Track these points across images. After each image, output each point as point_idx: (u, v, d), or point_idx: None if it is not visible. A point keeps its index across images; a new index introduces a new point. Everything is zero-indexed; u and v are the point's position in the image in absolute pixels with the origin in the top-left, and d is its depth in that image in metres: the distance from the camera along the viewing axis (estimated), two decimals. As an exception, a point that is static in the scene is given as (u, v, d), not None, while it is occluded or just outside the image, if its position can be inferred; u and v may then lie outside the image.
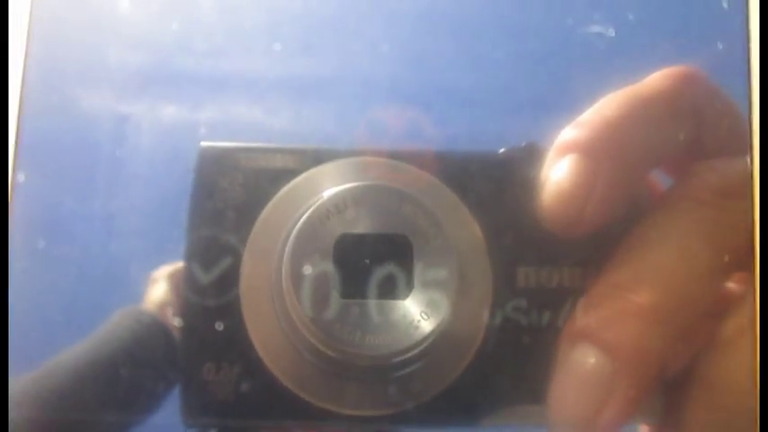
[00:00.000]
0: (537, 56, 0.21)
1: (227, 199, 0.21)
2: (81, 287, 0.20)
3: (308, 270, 0.20)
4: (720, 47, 0.21)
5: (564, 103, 0.21)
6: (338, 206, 0.20)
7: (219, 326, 0.20)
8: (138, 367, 0.21)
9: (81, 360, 0.21)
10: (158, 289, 0.21)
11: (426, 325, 0.20)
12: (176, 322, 0.20)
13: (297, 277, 0.20)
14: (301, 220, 0.20)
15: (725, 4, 0.21)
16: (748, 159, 0.20)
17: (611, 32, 0.21)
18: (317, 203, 0.20)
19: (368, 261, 0.20)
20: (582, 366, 0.20)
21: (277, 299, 0.20)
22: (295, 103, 0.21)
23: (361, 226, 0.20)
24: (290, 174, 0.21)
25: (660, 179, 0.21)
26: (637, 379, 0.19)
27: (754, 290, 0.20)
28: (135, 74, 0.21)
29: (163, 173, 0.21)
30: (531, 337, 0.21)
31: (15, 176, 0.20)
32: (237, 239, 0.21)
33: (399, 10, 0.21)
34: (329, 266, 0.20)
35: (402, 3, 0.21)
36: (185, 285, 0.20)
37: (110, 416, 0.21)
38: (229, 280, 0.21)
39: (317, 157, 0.21)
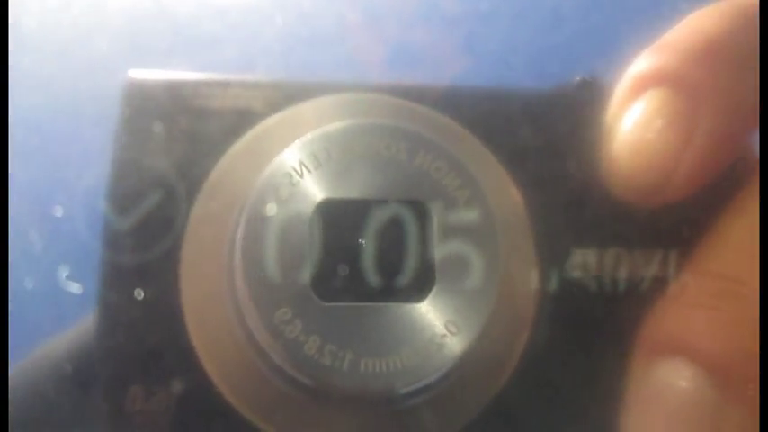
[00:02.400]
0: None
1: (163, 151, 0.15)
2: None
3: (271, 258, 0.14)
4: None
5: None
6: (317, 158, 0.14)
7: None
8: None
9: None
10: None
11: (454, 342, 0.14)
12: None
13: (256, 271, 0.14)
14: (261, 180, 0.14)
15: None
16: None
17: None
18: (286, 154, 0.14)
19: (362, 241, 0.15)
20: (671, 390, 0.15)
21: (231, 303, 0.15)
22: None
23: (353, 188, 0.14)
24: (253, 117, 0.15)
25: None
26: (753, 407, 0.14)
27: None
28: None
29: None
30: (593, 347, 0.15)
31: None
32: (176, 209, 0.15)
33: None
34: (304, 250, 0.14)
35: None
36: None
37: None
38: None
39: (289, 94, 0.15)
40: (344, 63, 0.15)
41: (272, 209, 0.14)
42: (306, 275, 0.14)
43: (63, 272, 0.14)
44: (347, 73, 0.15)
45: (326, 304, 0.14)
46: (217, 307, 0.15)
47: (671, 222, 0.15)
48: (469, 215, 0.14)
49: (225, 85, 0.15)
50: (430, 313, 0.14)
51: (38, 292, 0.15)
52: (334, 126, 0.14)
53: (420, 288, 0.14)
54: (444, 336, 0.14)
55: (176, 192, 0.15)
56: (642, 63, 0.15)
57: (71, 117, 0.16)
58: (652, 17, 0.15)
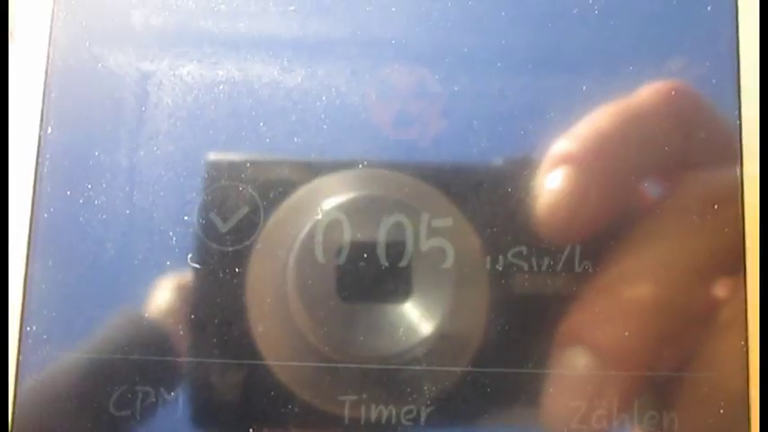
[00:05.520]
0: (536, 18, 0.22)
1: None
2: (107, 234, 0.21)
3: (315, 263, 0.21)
4: (709, 10, 0.22)
5: (562, 62, 0.22)
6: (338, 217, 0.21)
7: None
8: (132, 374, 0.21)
9: (79, 363, 0.21)
10: (163, 296, 0.21)
11: (426, 327, 0.21)
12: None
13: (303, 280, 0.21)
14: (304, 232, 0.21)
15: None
16: (735, 169, 0.21)
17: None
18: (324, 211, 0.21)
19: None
20: (577, 342, 0.21)
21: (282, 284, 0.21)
22: (309, 61, 0.22)
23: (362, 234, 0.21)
24: (290, 170, 0.22)
25: (650, 188, 0.22)
26: (627, 380, 0.21)
27: (743, 293, 0.21)
28: (157, 34, 0.22)
29: (183, 128, 0.22)
30: (526, 337, 0.21)
31: (44, 129, 0.22)
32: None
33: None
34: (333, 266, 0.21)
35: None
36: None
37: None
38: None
39: (315, 169, 0.22)
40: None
41: (317, 217, 0.22)
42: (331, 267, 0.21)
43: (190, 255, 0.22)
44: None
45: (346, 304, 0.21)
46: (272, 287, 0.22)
47: (578, 252, 0.21)
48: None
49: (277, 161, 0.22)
50: (410, 310, 0.21)
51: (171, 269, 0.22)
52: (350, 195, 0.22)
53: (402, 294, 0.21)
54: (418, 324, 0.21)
55: (257, 208, 0.22)
56: (557, 147, 0.21)
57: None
58: (568, 108, 0.22)
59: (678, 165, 0.22)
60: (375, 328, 0.21)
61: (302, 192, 0.22)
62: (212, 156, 0.22)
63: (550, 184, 0.21)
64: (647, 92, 0.22)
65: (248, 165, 0.21)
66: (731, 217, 0.21)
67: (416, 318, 0.21)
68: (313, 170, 0.22)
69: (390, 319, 0.21)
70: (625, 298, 0.21)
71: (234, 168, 0.21)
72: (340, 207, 0.21)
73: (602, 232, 0.21)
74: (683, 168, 0.22)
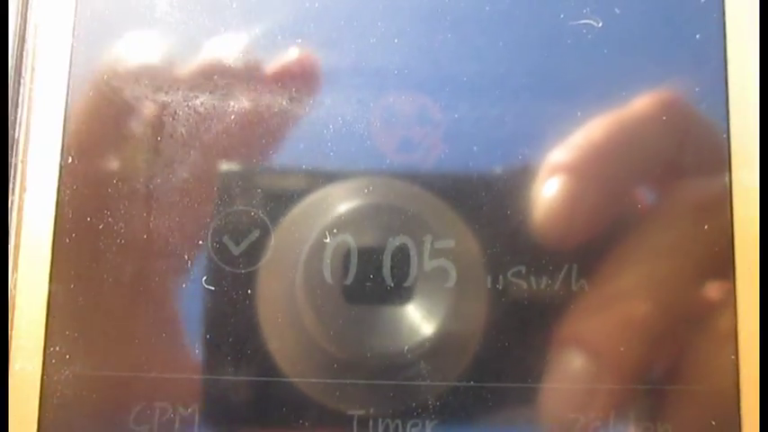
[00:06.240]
0: (532, 47, 0.23)
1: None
2: (125, 258, 0.22)
3: (322, 273, 0.22)
4: (698, 37, 0.23)
5: (557, 88, 0.23)
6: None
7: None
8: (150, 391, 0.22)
9: (100, 381, 0.22)
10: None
11: (427, 328, 0.22)
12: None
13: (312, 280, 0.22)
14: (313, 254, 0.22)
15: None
16: (725, 177, 0.22)
17: (599, 23, 0.23)
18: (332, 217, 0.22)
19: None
20: (574, 357, 0.22)
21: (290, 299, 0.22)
22: (316, 91, 0.23)
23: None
24: (299, 194, 0.23)
25: (644, 197, 0.23)
26: (623, 393, 0.22)
27: (734, 305, 0.22)
28: (172, 66, 0.23)
29: (197, 156, 0.23)
30: (525, 352, 0.22)
31: (64, 159, 0.23)
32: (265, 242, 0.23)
33: (410, 7, 0.23)
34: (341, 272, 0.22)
35: (411, 1, 0.23)
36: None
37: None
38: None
39: (324, 179, 0.23)
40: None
41: (325, 239, 0.23)
42: (339, 287, 0.22)
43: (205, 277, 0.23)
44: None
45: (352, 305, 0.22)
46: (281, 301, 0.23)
47: (575, 258, 0.22)
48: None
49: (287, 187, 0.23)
50: (412, 311, 0.22)
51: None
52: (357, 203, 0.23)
53: (405, 297, 0.22)
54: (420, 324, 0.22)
55: (267, 231, 0.23)
56: (554, 156, 0.22)
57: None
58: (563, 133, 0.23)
59: (671, 174, 0.22)
60: (382, 333, 0.22)
61: (310, 215, 0.23)
62: (225, 182, 0.23)
63: (546, 192, 0.22)
64: (640, 103, 0.22)
65: (259, 190, 0.23)
66: (722, 227, 0.22)
67: (419, 321, 0.22)
68: (321, 195, 0.23)
69: (395, 327, 0.22)
70: (620, 314, 0.22)
71: (245, 194, 0.22)
72: (347, 230, 0.22)
73: (597, 249, 0.22)
74: (676, 177, 0.22)
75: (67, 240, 0.22)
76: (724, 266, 0.22)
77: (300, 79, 0.22)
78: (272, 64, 0.22)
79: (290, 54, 0.23)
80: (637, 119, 0.22)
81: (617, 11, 0.23)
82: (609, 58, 0.23)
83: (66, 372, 0.22)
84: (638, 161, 0.22)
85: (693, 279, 0.22)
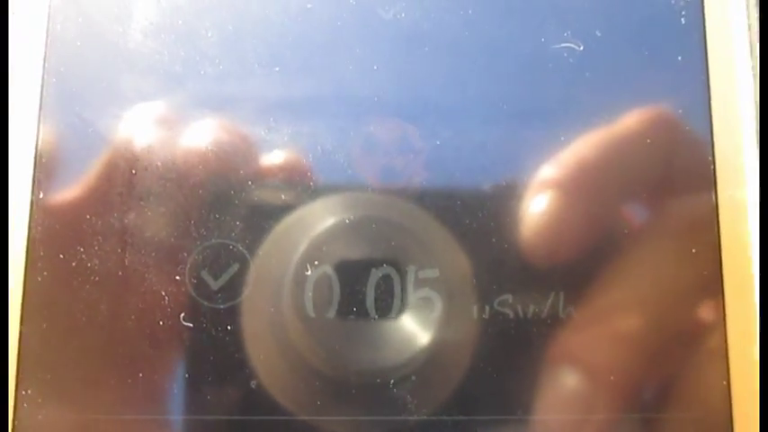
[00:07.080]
0: (513, 72, 0.22)
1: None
2: (100, 296, 0.22)
3: (307, 301, 0.22)
4: (680, 58, 0.23)
5: (539, 112, 0.22)
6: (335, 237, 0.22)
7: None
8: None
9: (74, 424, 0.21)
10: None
11: (418, 341, 0.22)
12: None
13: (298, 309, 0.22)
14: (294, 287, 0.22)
15: (683, 21, 0.23)
16: (712, 194, 0.22)
17: (580, 47, 0.22)
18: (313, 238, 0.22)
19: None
20: (564, 386, 0.21)
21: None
22: (294, 120, 0.22)
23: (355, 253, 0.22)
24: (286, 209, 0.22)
25: (631, 213, 0.23)
26: (614, 422, 0.21)
27: (724, 330, 0.22)
28: (146, 98, 0.23)
29: (173, 189, 0.22)
30: (513, 383, 0.22)
31: (35, 194, 0.22)
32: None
33: (388, 34, 0.23)
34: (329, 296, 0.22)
35: (389, 27, 0.23)
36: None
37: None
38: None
39: (304, 209, 0.22)
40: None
41: (307, 272, 0.22)
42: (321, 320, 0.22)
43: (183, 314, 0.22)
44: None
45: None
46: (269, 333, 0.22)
47: (565, 276, 0.22)
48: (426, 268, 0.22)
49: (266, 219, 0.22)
50: (403, 325, 0.22)
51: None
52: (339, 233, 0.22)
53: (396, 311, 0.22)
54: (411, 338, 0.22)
55: (247, 265, 0.22)
56: (542, 173, 0.22)
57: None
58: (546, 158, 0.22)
59: (658, 193, 0.22)
60: (367, 367, 0.22)
61: (291, 247, 0.22)
62: (202, 215, 0.22)
63: (533, 208, 0.22)
64: (628, 120, 0.22)
65: (238, 223, 0.22)
66: (709, 246, 0.22)
67: (404, 354, 0.22)
68: (301, 226, 0.22)
69: (380, 360, 0.22)
70: (609, 340, 0.22)
71: (223, 227, 0.22)
72: (328, 262, 0.22)
73: (584, 275, 0.22)
74: (663, 196, 0.22)
75: (39, 279, 0.21)
76: (712, 281, 0.22)
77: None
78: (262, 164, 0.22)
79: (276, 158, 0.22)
80: (624, 137, 0.22)
81: (598, 34, 0.23)
82: (591, 82, 0.23)
83: (39, 416, 0.21)
84: (625, 178, 0.22)
85: (682, 302, 0.22)
